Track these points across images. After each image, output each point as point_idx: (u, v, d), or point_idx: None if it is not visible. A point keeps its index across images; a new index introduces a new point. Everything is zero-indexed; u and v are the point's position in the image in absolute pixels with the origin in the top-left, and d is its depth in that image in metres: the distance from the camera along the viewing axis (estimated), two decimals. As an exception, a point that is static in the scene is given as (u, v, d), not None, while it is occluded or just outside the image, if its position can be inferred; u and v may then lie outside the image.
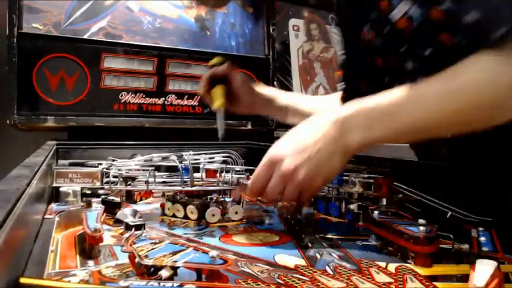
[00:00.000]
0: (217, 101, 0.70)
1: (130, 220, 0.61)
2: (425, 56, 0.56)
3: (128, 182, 0.80)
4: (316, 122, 0.55)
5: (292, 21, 2.01)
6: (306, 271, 0.45)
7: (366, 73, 0.72)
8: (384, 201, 0.68)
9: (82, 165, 0.98)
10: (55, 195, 0.77)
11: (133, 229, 0.58)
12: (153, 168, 0.79)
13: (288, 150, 0.53)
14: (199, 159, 1.02)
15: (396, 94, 0.52)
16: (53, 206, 0.73)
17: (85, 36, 1.27)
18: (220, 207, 0.69)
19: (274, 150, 0.56)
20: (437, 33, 0.53)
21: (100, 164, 0.94)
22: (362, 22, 0.66)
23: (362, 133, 0.52)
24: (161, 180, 0.84)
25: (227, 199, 0.77)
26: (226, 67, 0.84)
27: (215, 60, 0.84)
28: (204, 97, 0.89)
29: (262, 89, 0.93)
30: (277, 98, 0.93)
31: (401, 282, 0.42)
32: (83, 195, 0.78)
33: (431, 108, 0.51)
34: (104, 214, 0.67)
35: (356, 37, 0.68)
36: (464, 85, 0.50)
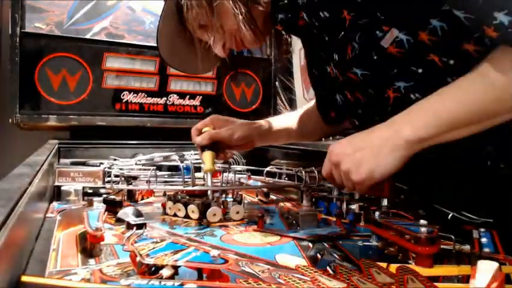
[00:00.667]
0: (207, 165, 0.74)
1: (131, 219, 0.61)
2: (418, 74, 0.59)
3: (130, 182, 0.80)
4: (375, 128, 0.59)
5: (294, 22, 2.01)
6: (306, 271, 0.45)
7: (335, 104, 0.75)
8: (385, 202, 0.68)
9: (84, 164, 0.98)
10: (57, 194, 0.77)
11: (134, 228, 0.58)
12: (155, 167, 0.79)
13: (348, 150, 0.59)
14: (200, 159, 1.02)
15: (435, 94, 0.55)
16: (55, 204, 0.73)
17: (87, 36, 1.27)
18: (221, 206, 0.70)
19: (336, 150, 0.61)
20: (427, 53, 0.57)
21: (102, 163, 0.94)
22: (327, 61, 0.71)
23: (411, 131, 0.55)
24: (162, 179, 0.84)
25: (228, 199, 0.78)
26: (207, 136, 0.81)
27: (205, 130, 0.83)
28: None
29: (245, 128, 0.86)
30: (269, 128, 0.90)
31: (402, 283, 0.42)
32: (85, 194, 0.78)
33: (469, 102, 0.53)
34: (106, 213, 0.67)
35: (323, 71, 0.73)
36: (496, 79, 0.51)
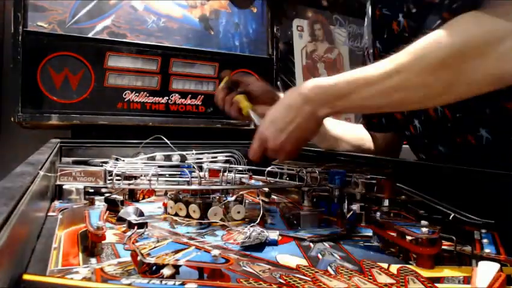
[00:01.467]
0: (245, 105, 0.82)
1: (132, 218, 0.61)
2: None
3: (131, 181, 0.80)
4: (290, 100, 0.71)
5: (296, 22, 2.01)
6: (307, 271, 0.45)
7: None
8: (386, 202, 0.68)
9: (85, 163, 0.98)
10: (58, 193, 0.77)
11: (136, 227, 0.58)
12: (156, 167, 0.79)
13: (272, 131, 0.72)
14: (202, 159, 1.03)
15: (350, 76, 0.66)
16: (56, 203, 0.73)
17: (90, 35, 1.27)
18: (223, 206, 0.70)
19: (262, 131, 0.74)
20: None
21: (104, 162, 0.94)
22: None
23: (328, 108, 0.69)
24: (164, 179, 0.84)
25: (229, 198, 0.77)
26: (243, 77, 0.94)
27: (225, 76, 0.89)
28: (221, 103, 0.98)
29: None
30: None
31: (403, 284, 0.42)
32: (86, 193, 0.78)
33: (377, 87, 0.63)
34: (107, 212, 0.67)
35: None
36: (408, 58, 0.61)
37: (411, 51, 0.60)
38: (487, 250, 0.50)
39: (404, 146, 1.29)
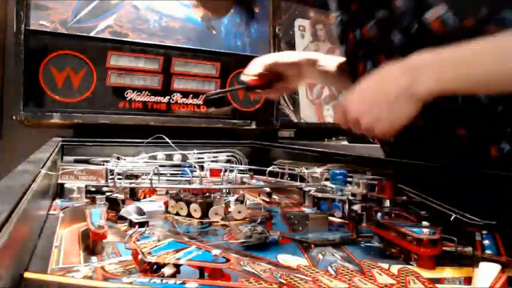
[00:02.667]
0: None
1: (133, 217, 0.61)
2: None
3: (133, 180, 0.80)
4: (387, 71, 0.57)
5: (298, 22, 2.01)
6: (308, 271, 0.45)
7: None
8: (387, 203, 0.68)
9: (87, 162, 0.98)
10: (60, 191, 0.77)
11: (137, 226, 0.58)
12: (157, 166, 0.80)
13: (362, 108, 0.58)
14: (203, 158, 1.03)
15: (474, 45, 0.52)
16: (58, 202, 0.73)
17: (92, 34, 1.27)
18: (224, 206, 0.70)
19: (351, 107, 0.60)
20: (469, 38, 0.53)
21: (105, 161, 0.94)
22: (366, 19, 0.68)
23: (435, 81, 0.53)
24: (165, 178, 0.84)
25: (230, 198, 0.78)
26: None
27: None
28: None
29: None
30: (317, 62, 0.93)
31: (404, 284, 0.42)
32: (88, 192, 0.78)
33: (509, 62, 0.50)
34: (108, 211, 0.67)
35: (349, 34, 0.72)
36: None
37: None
38: (488, 251, 0.50)
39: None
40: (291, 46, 1.96)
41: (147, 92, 1.33)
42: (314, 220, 0.64)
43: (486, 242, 0.51)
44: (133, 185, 0.79)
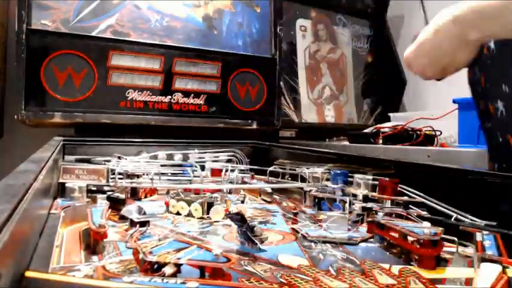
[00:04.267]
0: None
1: (135, 217, 0.61)
2: None
3: (134, 179, 0.80)
4: (439, 24, 0.66)
5: (300, 22, 2.01)
6: (309, 271, 0.45)
7: None
8: (388, 203, 0.68)
9: (88, 161, 0.98)
10: (61, 191, 0.77)
11: (138, 226, 0.59)
12: (158, 165, 0.80)
13: (424, 62, 0.69)
14: (204, 158, 1.03)
15: None
16: (59, 201, 0.74)
17: (93, 34, 1.27)
18: (225, 205, 0.70)
19: (413, 62, 0.72)
20: None
21: (106, 160, 0.94)
22: None
23: (480, 30, 0.62)
24: (166, 178, 0.84)
25: (231, 197, 0.78)
26: None
27: None
28: None
29: None
30: None
31: (404, 285, 0.42)
32: (89, 191, 0.79)
33: None
34: (109, 210, 0.67)
35: None
36: None
37: None
38: (489, 252, 0.50)
39: (409, 147, 1.28)
40: (292, 46, 1.96)
41: (148, 91, 1.33)
42: (333, 221, 0.65)
43: (487, 242, 0.51)
44: (134, 185, 0.79)
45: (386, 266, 0.48)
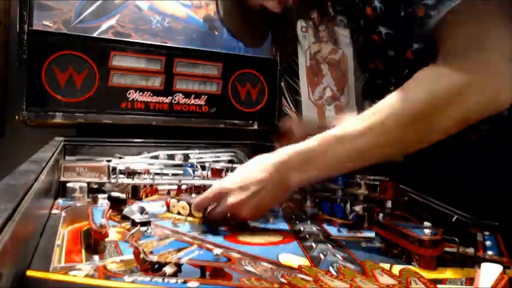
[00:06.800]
0: None
1: (136, 217, 0.61)
2: None
3: (135, 177, 0.80)
4: (262, 163, 0.64)
5: (301, 23, 2.01)
6: (309, 271, 0.45)
7: None
8: (389, 204, 0.68)
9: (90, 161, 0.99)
10: (62, 191, 0.78)
11: (139, 226, 0.59)
12: (160, 164, 0.80)
13: (236, 187, 0.63)
14: (204, 158, 1.03)
15: (321, 137, 0.63)
16: (60, 201, 0.74)
17: (94, 34, 1.28)
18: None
19: (225, 184, 0.65)
20: None
21: (108, 160, 0.95)
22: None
23: (299, 175, 0.63)
24: (167, 178, 0.84)
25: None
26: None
27: None
28: None
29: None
30: None
31: (405, 285, 0.42)
32: (90, 191, 0.79)
33: (352, 146, 0.60)
34: (110, 210, 0.67)
35: None
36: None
37: (381, 110, 0.60)
38: (489, 252, 0.50)
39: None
40: (293, 47, 1.96)
41: (149, 92, 1.33)
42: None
43: (488, 243, 0.51)
44: (135, 181, 0.79)
45: (387, 266, 0.48)
